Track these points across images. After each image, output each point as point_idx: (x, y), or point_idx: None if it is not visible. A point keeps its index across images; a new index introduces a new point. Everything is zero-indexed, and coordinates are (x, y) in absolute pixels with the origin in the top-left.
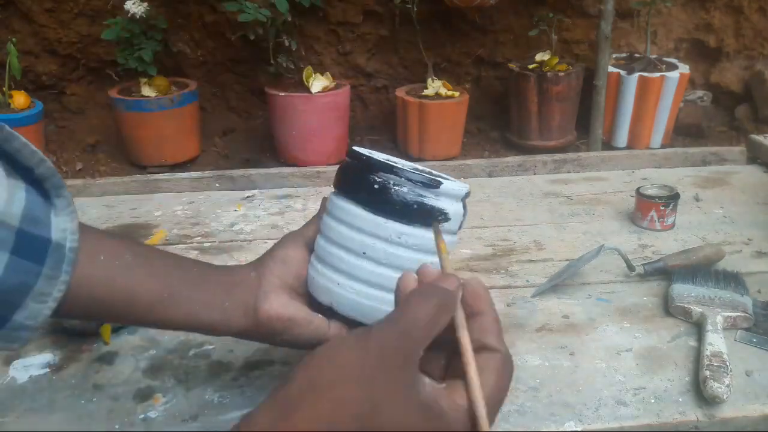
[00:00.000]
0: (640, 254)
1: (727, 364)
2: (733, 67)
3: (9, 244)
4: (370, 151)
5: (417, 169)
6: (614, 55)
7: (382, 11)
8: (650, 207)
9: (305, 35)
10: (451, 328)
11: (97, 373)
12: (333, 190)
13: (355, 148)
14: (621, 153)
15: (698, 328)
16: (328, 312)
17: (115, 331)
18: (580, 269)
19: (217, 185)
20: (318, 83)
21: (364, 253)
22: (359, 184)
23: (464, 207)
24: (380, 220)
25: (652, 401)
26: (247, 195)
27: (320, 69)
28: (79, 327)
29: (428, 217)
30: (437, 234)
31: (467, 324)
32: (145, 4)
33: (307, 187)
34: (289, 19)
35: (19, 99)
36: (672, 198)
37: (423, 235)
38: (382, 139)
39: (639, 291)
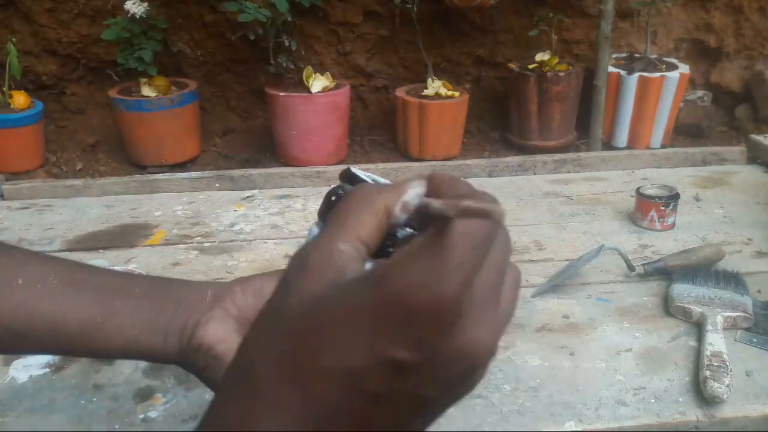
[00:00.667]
0: (640, 254)
1: (727, 364)
2: (733, 67)
3: None
4: (371, 175)
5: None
6: (614, 55)
7: (382, 11)
8: (650, 207)
9: (305, 35)
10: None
11: (97, 373)
12: (316, 219)
13: (352, 169)
14: (621, 153)
15: (698, 328)
16: None
17: None
18: (580, 269)
19: (217, 185)
20: (318, 83)
21: None
22: None
23: None
24: None
25: (652, 401)
26: (247, 195)
27: (320, 69)
28: None
29: None
30: None
31: None
32: (145, 4)
33: (307, 187)
34: (289, 19)
35: (19, 99)
36: (672, 198)
37: None
38: (382, 139)
39: (639, 291)
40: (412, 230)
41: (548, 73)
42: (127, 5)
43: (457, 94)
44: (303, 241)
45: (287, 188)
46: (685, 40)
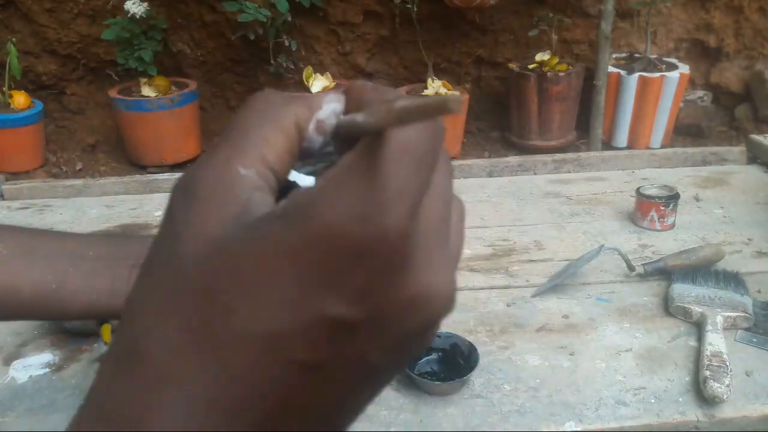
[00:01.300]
0: (640, 254)
1: (727, 364)
2: (733, 67)
3: None
4: None
5: None
6: (614, 55)
7: (382, 11)
8: (650, 207)
9: (305, 35)
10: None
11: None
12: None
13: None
14: (621, 153)
15: (698, 328)
16: None
17: (115, 331)
18: (580, 269)
19: None
20: (318, 83)
21: None
22: None
23: None
24: None
25: (652, 401)
26: None
27: (320, 69)
28: (79, 327)
29: None
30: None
31: None
32: (145, 4)
33: None
34: (289, 19)
35: (19, 99)
36: (672, 198)
37: None
38: None
39: (639, 291)
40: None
41: (548, 73)
42: (127, 5)
43: (457, 94)
44: None
45: None
46: (685, 40)
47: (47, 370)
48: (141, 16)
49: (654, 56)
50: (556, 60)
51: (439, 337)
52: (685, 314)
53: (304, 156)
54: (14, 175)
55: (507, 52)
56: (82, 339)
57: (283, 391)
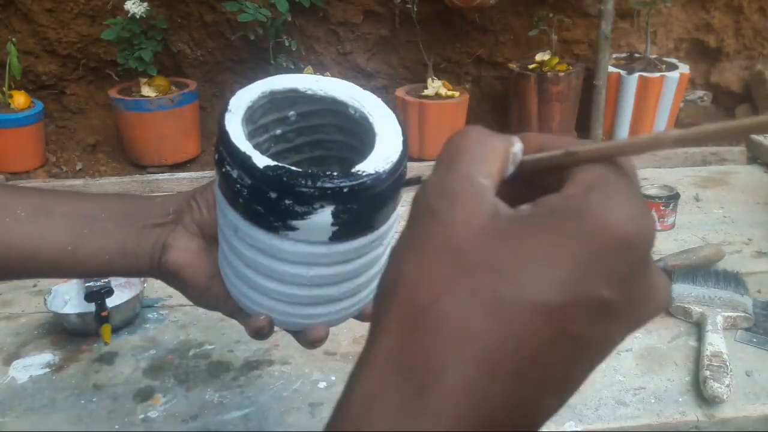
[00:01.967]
0: None
1: (727, 364)
2: (733, 67)
3: None
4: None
5: (263, 144)
6: (614, 55)
7: (382, 11)
8: (650, 207)
9: (305, 35)
10: None
11: (97, 373)
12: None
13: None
14: None
15: (698, 328)
16: None
17: (115, 331)
18: None
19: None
20: None
21: (225, 239)
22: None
23: (341, 216)
24: (222, 203)
25: (652, 401)
26: None
27: (320, 69)
28: (79, 327)
29: (261, 216)
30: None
31: None
32: (145, 4)
33: None
34: (289, 19)
35: (19, 99)
36: (672, 198)
37: (263, 239)
38: None
39: None
40: None
41: (548, 73)
42: (127, 5)
43: (457, 94)
44: None
45: None
46: (685, 40)
47: (47, 370)
48: (141, 16)
49: (654, 56)
50: (556, 60)
51: None
52: (685, 314)
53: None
54: (14, 175)
55: (507, 52)
56: (82, 339)
57: (551, 358)
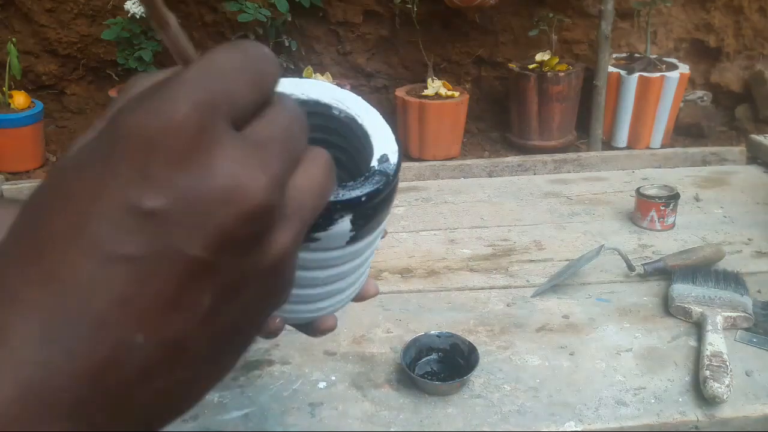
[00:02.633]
0: (640, 254)
1: (727, 364)
2: (733, 67)
3: None
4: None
5: None
6: (614, 55)
7: (382, 11)
8: (650, 207)
9: (305, 35)
10: None
11: None
12: None
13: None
14: (621, 153)
15: (698, 328)
16: None
17: None
18: (580, 269)
19: None
20: None
21: None
22: None
23: (358, 222)
24: None
25: (652, 401)
26: None
27: (320, 69)
28: None
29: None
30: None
31: None
32: None
33: None
34: (289, 19)
35: (19, 99)
36: (672, 198)
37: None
38: None
39: (639, 291)
40: None
41: (548, 73)
42: (127, 5)
43: (457, 94)
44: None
45: None
46: (685, 40)
47: None
48: (141, 16)
49: (654, 56)
50: (556, 60)
51: (439, 337)
52: (685, 314)
53: None
54: (14, 175)
55: (507, 52)
56: None
57: (112, 286)
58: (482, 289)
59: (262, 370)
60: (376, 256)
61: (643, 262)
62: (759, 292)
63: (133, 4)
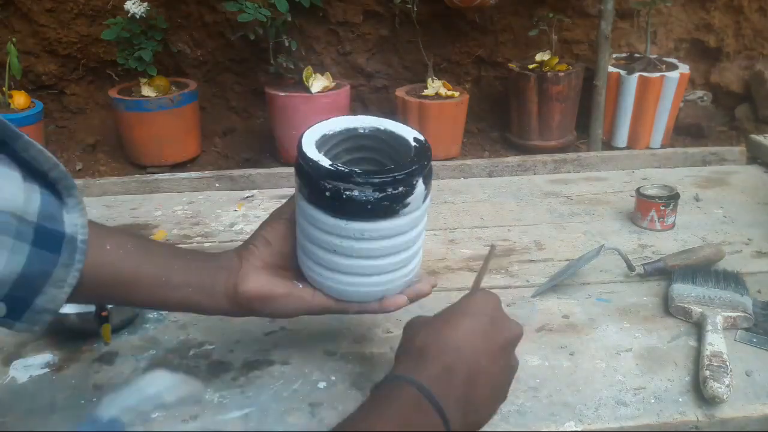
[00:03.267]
0: (640, 254)
1: (727, 364)
2: (733, 67)
3: (29, 237)
4: (325, 133)
5: (369, 171)
6: (614, 55)
7: (382, 11)
8: (650, 207)
9: (305, 35)
10: None
11: (97, 373)
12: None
13: (305, 148)
14: (621, 153)
15: (698, 328)
16: None
17: (115, 331)
18: (580, 269)
19: (217, 185)
20: (318, 83)
21: (334, 251)
22: (313, 189)
23: (425, 183)
24: (341, 223)
25: (652, 401)
26: (246, 195)
27: (320, 69)
28: (79, 327)
29: (387, 210)
30: (489, 258)
31: None
32: (145, 4)
33: None
34: (289, 19)
35: (19, 99)
36: (672, 198)
37: (386, 226)
38: None
39: (639, 291)
40: None
41: (548, 73)
42: (127, 5)
43: (457, 94)
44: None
45: (287, 188)
46: (685, 40)
47: (47, 370)
48: (141, 16)
49: (654, 56)
50: (556, 60)
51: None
52: (685, 314)
53: None
54: None
55: (507, 52)
56: (82, 339)
57: (494, 373)
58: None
59: (262, 370)
60: None
61: (643, 262)
62: (759, 292)
63: (133, 4)
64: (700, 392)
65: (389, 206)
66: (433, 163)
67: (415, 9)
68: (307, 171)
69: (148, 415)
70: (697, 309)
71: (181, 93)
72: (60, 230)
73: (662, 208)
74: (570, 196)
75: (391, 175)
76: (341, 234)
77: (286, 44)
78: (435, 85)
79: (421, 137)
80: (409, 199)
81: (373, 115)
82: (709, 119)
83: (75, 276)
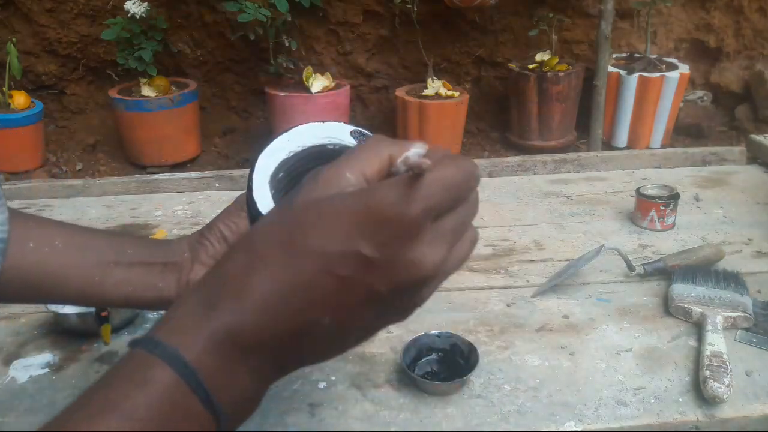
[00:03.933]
0: (640, 254)
1: (727, 364)
2: (733, 67)
3: None
4: (284, 158)
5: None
6: (614, 55)
7: (382, 11)
8: (650, 207)
9: (305, 35)
10: None
11: (97, 373)
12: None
13: (255, 193)
14: (621, 153)
15: (698, 328)
16: None
17: (115, 331)
18: (580, 269)
19: (217, 185)
20: (318, 83)
21: None
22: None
23: None
24: None
25: (652, 401)
26: None
27: (320, 69)
28: (79, 327)
29: None
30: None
31: None
32: (145, 4)
33: None
34: (289, 19)
35: (19, 99)
36: (672, 198)
37: None
38: None
39: (639, 291)
40: None
41: (548, 73)
42: (127, 5)
43: (457, 94)
44: None
45: None
46: (685, 40)
47: (47, 370)
48: (141, 16)
49: (654, 56)
50: (556, 60)
51: (439, 337)
52: (685, 314)
53: (391, 175)
54: (14, 175)
55: (507, 52)
56: (82, 339)
57: (320, 289)
58: (482, 289)
59: None
60: None
61: (643, 262)
62: (759, 292)
63: (133, 4)
64: (700, 392)
65: None
66: None
67: (415, 9)
68: (252, 215)
69: None
70: (697, 309)
71: (181, 93)
72: None
73: (662, 208)
74: (570, 196)
75: None
76: None
77: (286, 44)
78: (435, 85)
79: (354, 140)
80: None
81: (372, 116)
82: (709, 119)
83: None
